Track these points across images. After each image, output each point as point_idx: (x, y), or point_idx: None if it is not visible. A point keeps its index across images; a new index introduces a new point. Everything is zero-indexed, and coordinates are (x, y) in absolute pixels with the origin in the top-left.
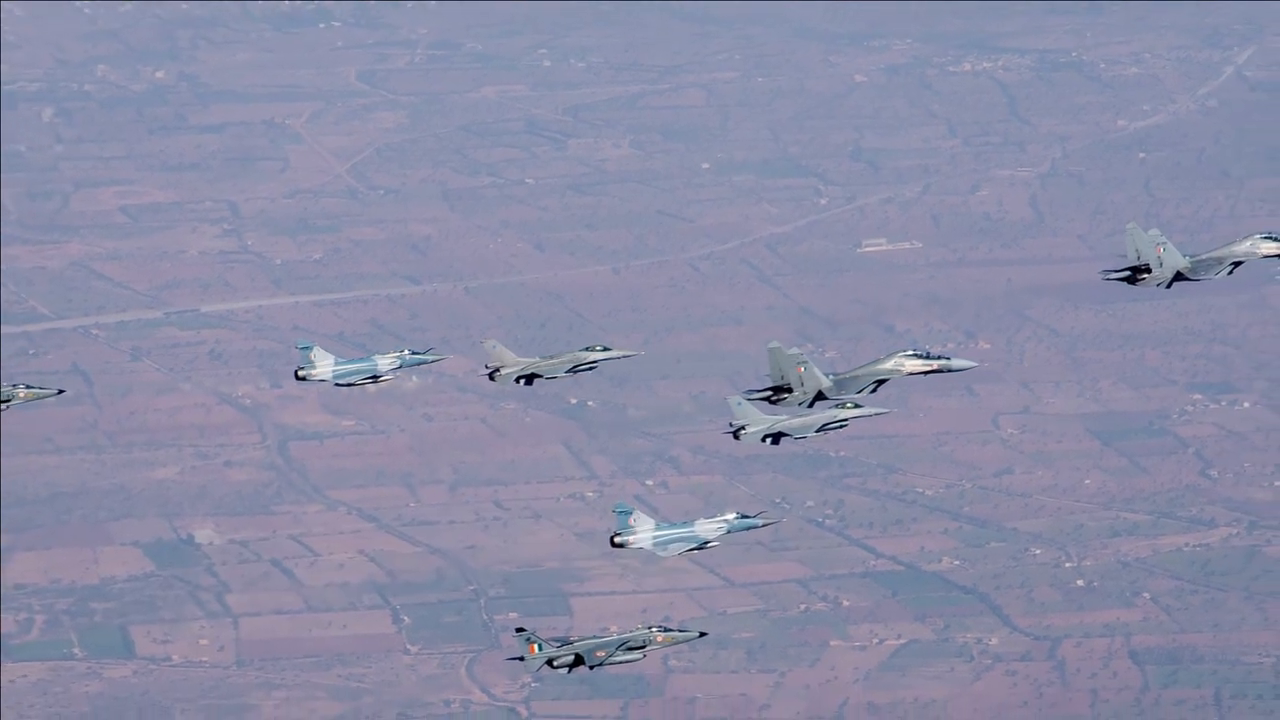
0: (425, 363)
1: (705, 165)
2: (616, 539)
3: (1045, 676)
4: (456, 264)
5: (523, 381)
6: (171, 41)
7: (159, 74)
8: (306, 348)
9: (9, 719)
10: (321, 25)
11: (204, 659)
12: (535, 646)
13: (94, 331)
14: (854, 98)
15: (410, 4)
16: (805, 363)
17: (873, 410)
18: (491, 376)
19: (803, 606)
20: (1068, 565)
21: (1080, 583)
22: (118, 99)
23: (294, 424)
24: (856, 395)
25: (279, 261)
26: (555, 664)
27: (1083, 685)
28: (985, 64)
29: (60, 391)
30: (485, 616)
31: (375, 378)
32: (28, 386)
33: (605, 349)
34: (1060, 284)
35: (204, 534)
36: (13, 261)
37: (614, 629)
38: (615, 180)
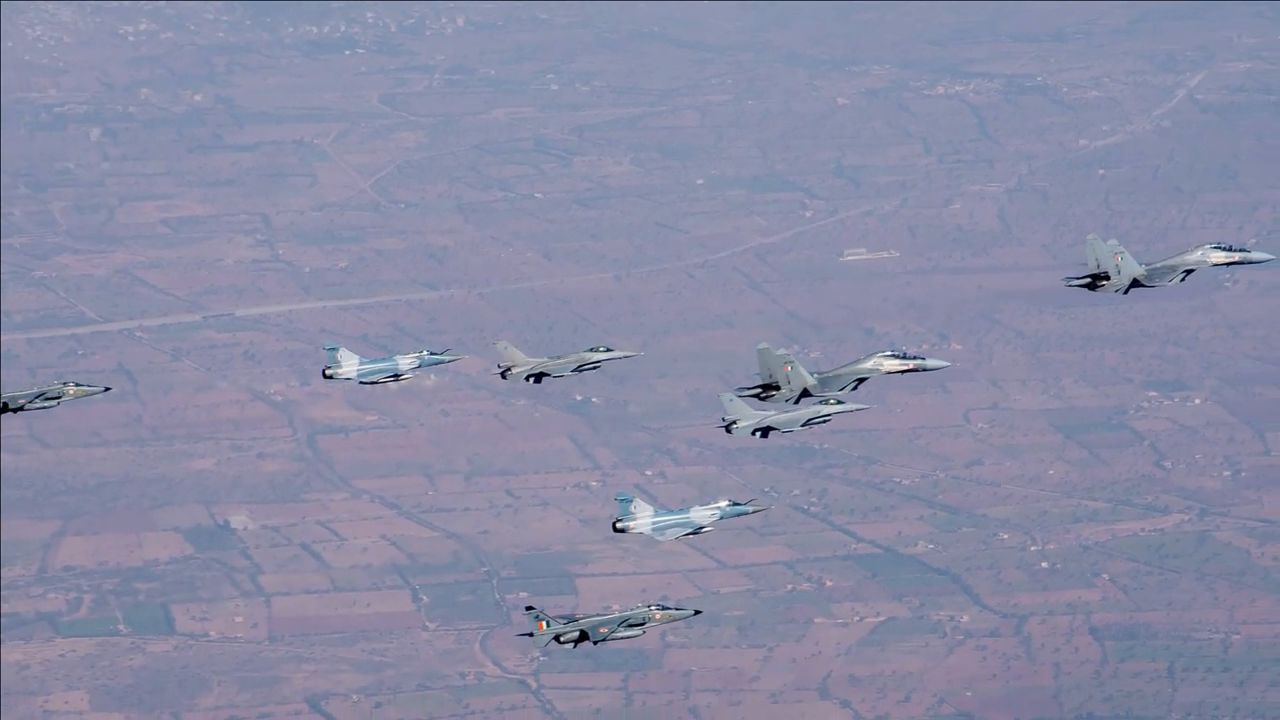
0: (442, 362)
1: (700, 181)
2: (618, 525)
3: (1012, 651)
4: (471, 272)
5: (532, 380)
6: (209, 67)
7: (197, 97)
8: (333, 349)
9: (58, 689)
10: (347, 52)
11: (239, 635)
12: (543, 623)
13: (138, 334)
14: (836, 119)
15: (428, 33)
16: (792, 363)
17: (854, 406)
18: (503, 375)
19: (789, 586)
20: (1033, 549)
21: (1044, 565)
22: (159, 120)
23: (322, 419)
24: (839, 392)
25: (308, 269)
26: (562, 639)
27: (1047, 659)
28: (957, 88)
29: (107, 389)
30: (497, 596)
31: (396, 376)
32: (77, 384)
33: (608, 350)
34: (1026, 290)
35: (239, 520)
36: (63, 269)
37: (616, 607)
38: (617, 195)
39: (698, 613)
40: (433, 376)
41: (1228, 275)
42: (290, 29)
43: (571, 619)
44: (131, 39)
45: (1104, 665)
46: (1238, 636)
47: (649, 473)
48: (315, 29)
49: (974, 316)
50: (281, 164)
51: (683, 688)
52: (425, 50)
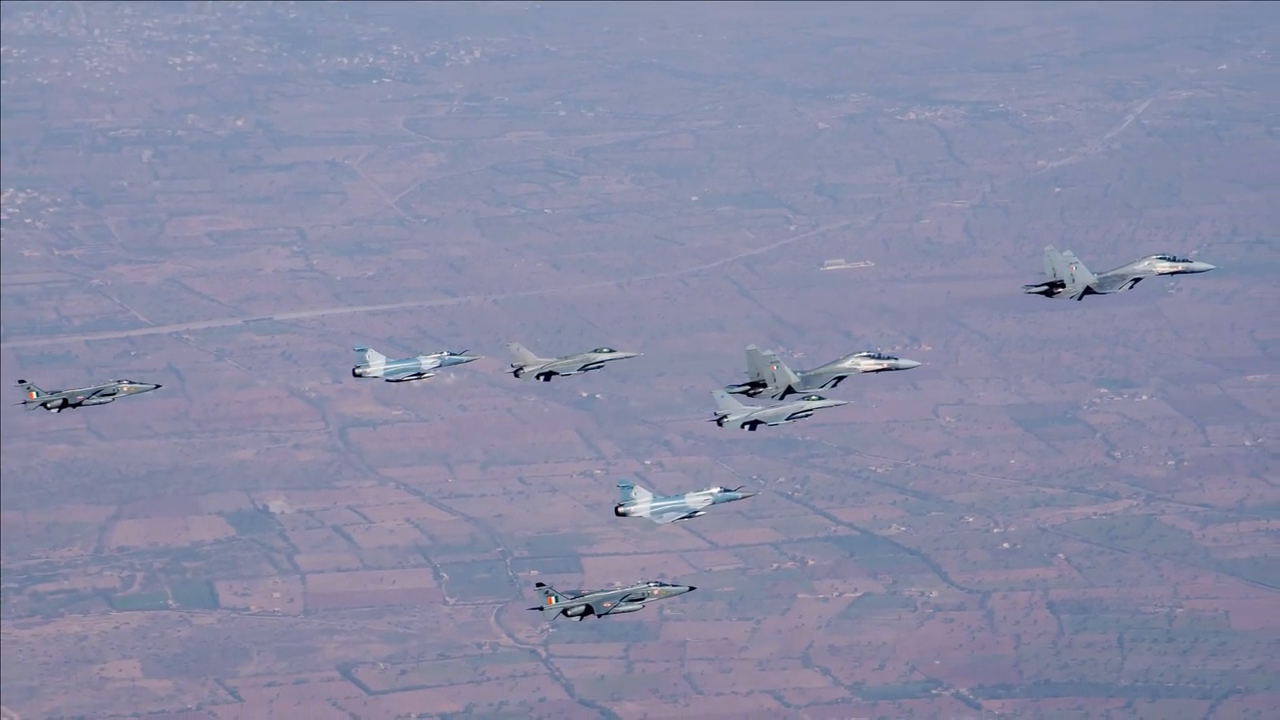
0: (461, 362)
1: (694, 198)
2: (620, 509)
3: (977, 624)
4: (487, 280)
5: (542, 378)
6: (250, 95)
7: (239, 122)
8: (362, 350)
9: (113, 658)
10: (374, 81)
11: (277, 609)
12: (552, 599)
13: (185, 336)
14: (818, 141)
15: (448, 64)
16: (777, 362)
17: (833, 402)
18: (516, 374)
19: (775, 565)
20: (996, 531)
21: (1006, 545)
22: (205, 143)
23: (352, 413)
24: (820, 389)
25: (339, 278)
26: (569, 613)
27: (1008, 631)
28: (927, 113)
29: (158, 386)
30: (511, 573)
31: (419, 375)
32: (130, 382)
33: (611, 351)
34: (989, 297)
35: (277, 505)
36: (118, 278)
37: (618, 584)
38: (619, 210)
39: (692, 589)
40: (452, 375)
41: (1172, 283)
42: (323, 60)
43: (578, 595)
44: (180, 69)
45: (1060, 637)
46: (1181, 611)
47: (648, 462)
48: (346, 60)
49: (942, 320)
50: (315, 183)
51: (678, 657)
52: (445, 79)
